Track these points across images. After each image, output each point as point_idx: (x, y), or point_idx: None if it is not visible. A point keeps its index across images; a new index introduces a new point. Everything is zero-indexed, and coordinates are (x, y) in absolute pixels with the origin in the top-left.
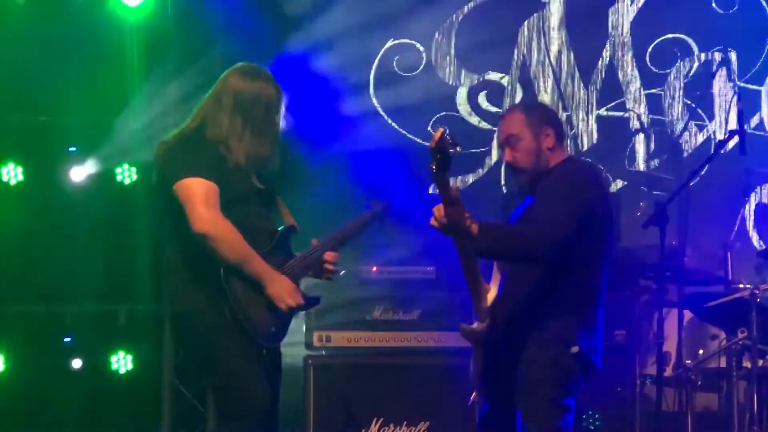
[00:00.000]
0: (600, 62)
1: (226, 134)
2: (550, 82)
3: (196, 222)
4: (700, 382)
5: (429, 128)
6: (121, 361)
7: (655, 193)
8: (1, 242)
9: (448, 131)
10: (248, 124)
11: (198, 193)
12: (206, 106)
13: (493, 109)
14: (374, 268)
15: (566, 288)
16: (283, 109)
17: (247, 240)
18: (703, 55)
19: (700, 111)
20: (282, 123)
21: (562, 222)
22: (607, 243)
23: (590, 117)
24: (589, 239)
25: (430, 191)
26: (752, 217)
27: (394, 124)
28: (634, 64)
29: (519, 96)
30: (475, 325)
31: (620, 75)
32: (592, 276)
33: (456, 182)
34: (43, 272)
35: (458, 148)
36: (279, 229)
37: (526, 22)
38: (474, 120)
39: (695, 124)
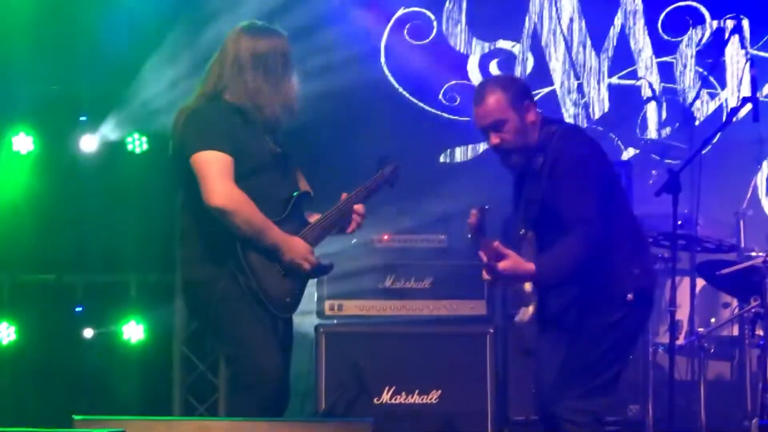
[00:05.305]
0: (612, 30)
1: (252, 92)
2: (561, 50)
3: (211, 196)
4: (712, 351)
5: (440, 96)
6: (133, 331)
7: (667, 161)
8: (13, 212)
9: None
10: (271, 78)
11: (213, 167)
12: (222, 69)
13: None
14: (386, 237)
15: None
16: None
17: (262, 208)
18: (715, 23)
19: (712, 79)
20: (295, 73)
21: (594, 217)
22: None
23: (602, 85)
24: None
25: (441, 160)
26: (765, 185)
27: (405, 92)
28: (646, 31)
29: (530, 64)
30: (522, 312)
31: (632, 43)
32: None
33: (467, 152)
34: (54, 242)
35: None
36: (293, 195)
37: None
38: None
39: (707, 92)
